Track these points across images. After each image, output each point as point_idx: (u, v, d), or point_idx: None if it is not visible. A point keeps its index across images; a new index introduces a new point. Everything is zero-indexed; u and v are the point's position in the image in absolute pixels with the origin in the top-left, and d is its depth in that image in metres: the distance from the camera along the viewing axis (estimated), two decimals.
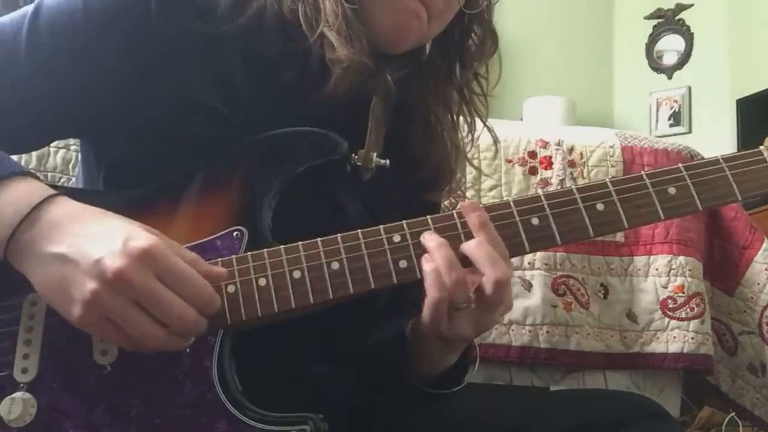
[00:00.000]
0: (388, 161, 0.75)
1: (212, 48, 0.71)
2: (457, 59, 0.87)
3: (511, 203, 0.66)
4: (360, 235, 0.64)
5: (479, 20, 0.86)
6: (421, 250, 0.64)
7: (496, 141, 0.94)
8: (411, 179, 0.84)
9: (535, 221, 0.66)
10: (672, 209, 0.66)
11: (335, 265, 0.63)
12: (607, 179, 0.67)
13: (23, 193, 0.60)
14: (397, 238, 0.65)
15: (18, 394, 0.60)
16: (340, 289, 0.63)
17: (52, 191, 0.61)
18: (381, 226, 0.65)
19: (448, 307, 0.63)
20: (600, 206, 0.66)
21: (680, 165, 0.67)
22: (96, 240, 0.57)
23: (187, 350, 0.61)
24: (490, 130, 0.92)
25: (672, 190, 0.66)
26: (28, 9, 0.71)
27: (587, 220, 0.65)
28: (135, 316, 0.56)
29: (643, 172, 0.67)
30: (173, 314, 0.57)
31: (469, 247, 0.64)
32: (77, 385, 0.60)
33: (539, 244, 0.66)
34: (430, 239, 0.64)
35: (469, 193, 1.41)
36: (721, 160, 0.67)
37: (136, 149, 0.71)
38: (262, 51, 0.73)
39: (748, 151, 0.68)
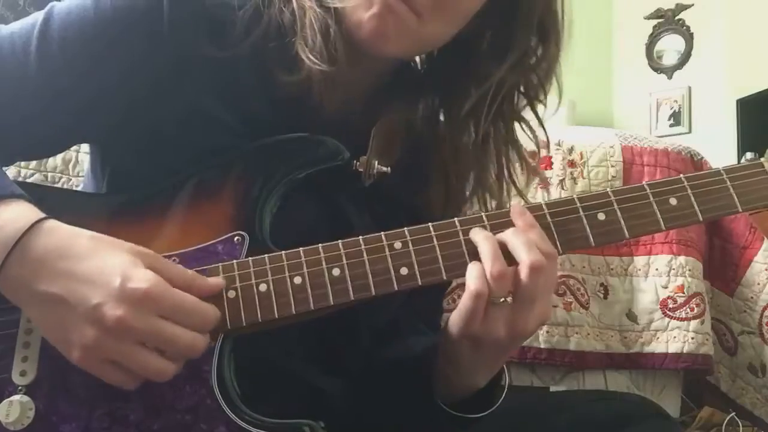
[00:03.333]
0: (389, 168, 0.74)
1: (222, 66, 0.70)
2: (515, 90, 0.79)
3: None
4: (361, 242, 0.64)
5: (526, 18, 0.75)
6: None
7: (538, 147, 0.86)
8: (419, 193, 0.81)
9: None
10: (673, 219, 0.66)
11: (336, 272, 0.63)
12: (608, 189, 0.67)
13: (7, 221, 0.58)
14: (398, 245, 0.64)
15: (16, 397, 0.60)
16: (341, 295, 0.63)
17: (37, 216, 0.59)
18: (382, 233, 0.65)
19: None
20: (601, 216, 0.66)
21: (681, 176, 0.67)
22: (91, 281, 0.56)
23: None
24: (536, 140, 0.84)
25: (673, 201, 0.66)
26: (38, 18, 0.70)
27: (588, 229, 0.65)
28: (139, 357, 0.56)
29: (644, 182, 0.67)
30: (182, 347, 0.57)
31: (505, 234, 0.64)
32: (76, 388, 0.60)
33: None
34: (478, 233, 0.64)
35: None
36: (722, 172, 0.67)
37: (140, 156, 0.71)
38: (268, 65, 0.71)
39: (750, 163, 0.68)
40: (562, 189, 1.51)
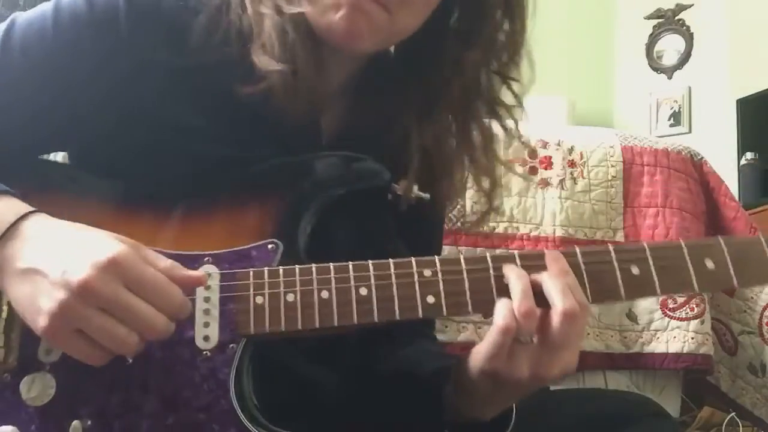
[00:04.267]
0: (428, 195, 0.75)
1: (188, 72, 0.70)
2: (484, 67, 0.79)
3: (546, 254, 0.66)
4: (391, 265, 0.64)
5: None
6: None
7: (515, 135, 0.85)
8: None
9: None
10: (708, 284, 0.66)
11: (363, 291, 0.63)
12: (645, 243, 0.66)
13: (0, 211, 0.61)
14: (427, 273, 0.64)
15: (39, 374, 0.61)
16: (365, 315, 0.63)
17: (29, 208, 0.61)
18: (413, 258, 0.65)
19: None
20: (635, 270, 0.65)
21: (720, 238, 0.67)
22: (64, 251, 0.57)
23: (208, 354, 0.61)
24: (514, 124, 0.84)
25: (710, 265, 0.65)
26: (2, 26, 0.71)
27: (621, 283, 0.65)
28: (104, 323, 0.56)
29: (681, 242, 0.67)
30: (143, 322, 0.57)
31: (541, 276, 0.63)
32: (97, 372, 0.60)
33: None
34: (512, 269, 0.64)
35: (469, 193, 1.41)
36: (763, 241, 0.66)
37: (116, 167, 0.71)
38: (232, 74, 0.71)
39: None
40: (562, 189, 1.51)
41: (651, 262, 0.65)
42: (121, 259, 0.56)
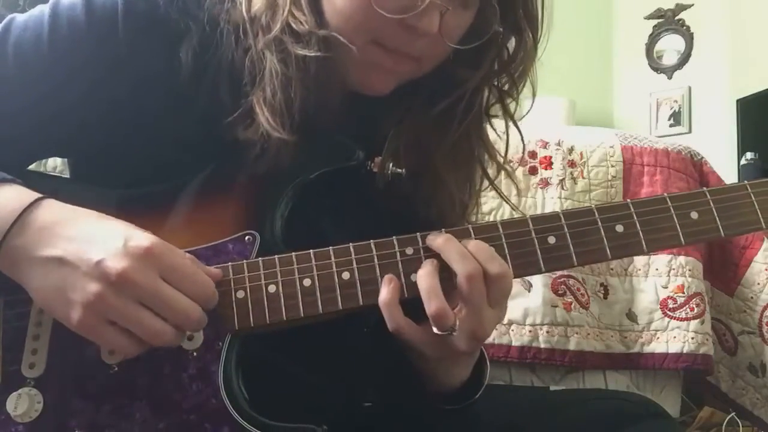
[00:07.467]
0: (404, 171, 0.73)
1: (178, 100, 0.69)
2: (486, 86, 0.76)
3: (529, 220, 0.65)
4: (372, 246, 0.64)
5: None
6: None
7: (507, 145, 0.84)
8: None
9: (551, 240, 0.64)
10: (693, 234, 0.64)
11: (346, 275, 0.63)
12: (629, 200, 0.65)
13: (8, 199, 0.60)
14: (409, 251, 0.64)
15: (25, 390, 0.60)
16: (350, 300, 0.62)
17: (38, 195, 0.61)
18: (394, 238, 0.64)
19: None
20: (619, 228, 0.64)
21: (705, 189, 0.65)
22: (93, 242, 0.57)
23: (194, 354, 0.61)
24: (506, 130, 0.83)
25: (694, 215, 0.64)
26: None
27: (606, 242, 0.64)
28: (140, 314, 0.56)
29: (665, 195, 0.65)
30: (179, 312, 0.57)
31: (434, 242, 0.62)
32: (84, 383, 0.60)
33: (555, 263, 0.64)
34: (424, 266, 0.62)
35: None
36: (747, 186, 0.65)
37: (106, 171, 0.71)
38: (219, 108, 0.69)
39: None
40: (563, 189, 1.51)
41: (635, 218, 0.64)
42: (156, 248, 0.57)
